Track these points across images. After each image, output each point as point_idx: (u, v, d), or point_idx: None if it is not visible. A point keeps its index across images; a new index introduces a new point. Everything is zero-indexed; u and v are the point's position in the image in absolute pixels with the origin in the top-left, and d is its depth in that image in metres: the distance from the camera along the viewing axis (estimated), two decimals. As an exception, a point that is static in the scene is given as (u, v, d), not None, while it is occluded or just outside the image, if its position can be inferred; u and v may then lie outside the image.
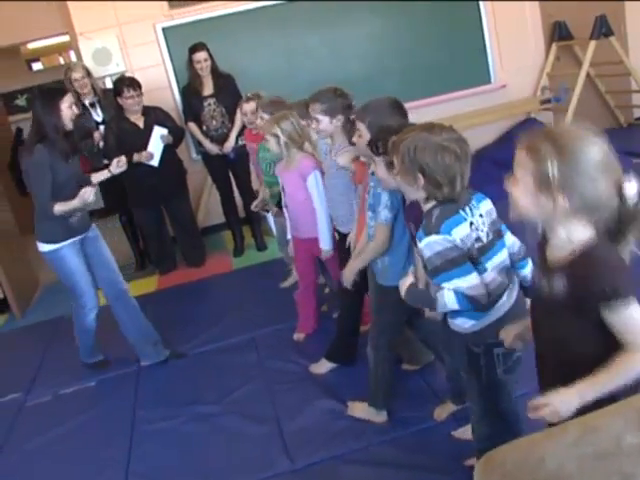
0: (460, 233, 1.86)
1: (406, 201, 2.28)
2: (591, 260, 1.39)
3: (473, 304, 1.89)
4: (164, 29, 5.63)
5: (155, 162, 4.75)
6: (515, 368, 2.04)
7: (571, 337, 1.46)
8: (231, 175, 5.30)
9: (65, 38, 6.32)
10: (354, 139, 2.51)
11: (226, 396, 3.27)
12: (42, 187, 3.22)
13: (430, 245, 1.87)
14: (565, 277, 1.42)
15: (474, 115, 6.13)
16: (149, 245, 5.45)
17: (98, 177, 3.60)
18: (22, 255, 5.53)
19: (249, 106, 4.18)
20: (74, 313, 3.64)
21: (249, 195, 5.26)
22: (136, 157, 4.69)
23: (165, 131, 4.77)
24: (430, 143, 1.85)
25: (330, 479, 2.55)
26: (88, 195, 3.20)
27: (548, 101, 6.40)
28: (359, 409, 2.88)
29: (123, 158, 3.56)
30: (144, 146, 4.72)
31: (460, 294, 1.88)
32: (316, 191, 3.22)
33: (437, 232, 1.85)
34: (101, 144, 4.89)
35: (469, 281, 1.86)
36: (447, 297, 1.90)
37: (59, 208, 3.22)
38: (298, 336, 3.70)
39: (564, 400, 1.36)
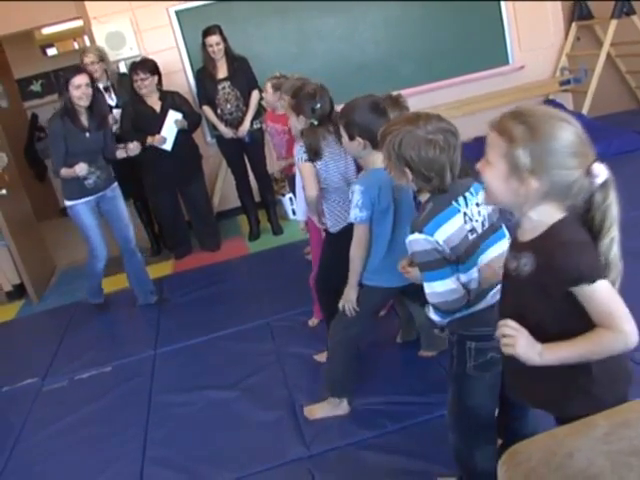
0: (445, 233, 1.79)
1: None
2: (556, 241, 1.37)
3: (439, 311, 1.86)
4: (177, 12, 5.57)
5: (168, 146, 4.73)
6: (489, 368, 1.93)
7: (531, 310, 1.44)
8: (246, 159, 5.26)
9: (79, 23, 6.29)
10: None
11: (241, 381, 3.26)
12: (55, 153, 3.87)
13: (410, 243, 1.84)
14: (531, 257, 1.40)
15: (492, 97, 6.04)
16: (164, 230, 5.45)
17: (120, 153, 4.19)
18: (38, 240, 5.56)
19: (270, 87, 4.13)
20: (88, 260, 4.25)
21: (264, 179, 5.25)
22: (149, 140, 4.68)
23: (180, 115, 4.75)
24: (413, 137, 1.79)
25: (345, 466, 2.52)
26: (80, 169, 3.80)
27: (567, 82, 6.29)
28: (317, 410, 2.84)
29: (136, 143, 4.18)
30: (159, 130, 4.70)
31: (431, 306, 1.86)
32: None
33: (420, 231, 1.80)
34: (115, 127, 4.88)
35: (445, 285, 1.82)
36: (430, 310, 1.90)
37: (63, 173, 3.86)
38: (313, 321, 3.67)
39: (530, 346, 1.37)
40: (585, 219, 1.40)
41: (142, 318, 4.33)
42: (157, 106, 4.80)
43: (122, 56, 5.51)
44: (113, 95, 4.96)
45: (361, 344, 2.85)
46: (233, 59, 5.00)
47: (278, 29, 5.77)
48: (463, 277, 1.84)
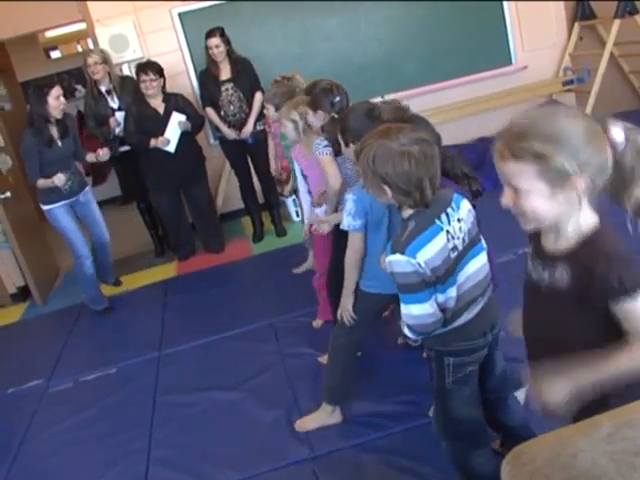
0: (428, 254, 1.73)
1: None
2: (598, 250, 1.31)
3: (414, 331, 1.84)
4: (180, 14, 5.57)
5: (171, 148, 4.74)
6: (467, 381, 1.95)
7: (570, 324, 1.39)
8: (249, 160, 5.27)
9: (82, 26, 6.31)
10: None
11: (245, 382, 3.26)
12: (30, 166, 4.03)
13: (391, 263, 1.77)
14: (570, 268, 1.35)
15: (495, 97, 6.03)
16: (168, 231, 5.45)
17: (89, 157, 4.36)
18: (43, 242, 5.57)
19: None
20: (75, 264, 4.37)
21: (268, 180, 5.24)
22: (152, 142, 4.71)
23: (183, 117, 4.76)
24: (387, 151, 1.73)
25: (349, 467, 2.53)
26: (58, 180, 3.97)
27: (570, 82, 6.28)
28: (309, 421, 2.81)
29: (106, 150, 4.33)
30: (163, 132, 4.72)
31: (406, 325, 1.83)
32: None
33: (402, 252, 1.73)
34: (117, 130, 4.90)
35: (422, 309, 1.78)
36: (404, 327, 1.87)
37: (40, 183, 4.01)
38: (317, 323, 3.68)
39: (555, 390, 1.36)
40: (613, 179, 1.32)
41: (146, 319, 4.34)
42: (160, 108, 4.81)
43: (125, 59, 5.52)
44: (115, 98, 4.97)
45: (362, 349, 2.82)
46: (236, 61, 5.01)
47: (281, 29, 5.77)
48: (441, 297, 1.80)
